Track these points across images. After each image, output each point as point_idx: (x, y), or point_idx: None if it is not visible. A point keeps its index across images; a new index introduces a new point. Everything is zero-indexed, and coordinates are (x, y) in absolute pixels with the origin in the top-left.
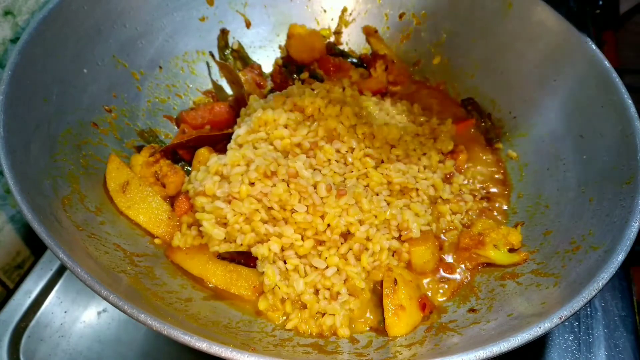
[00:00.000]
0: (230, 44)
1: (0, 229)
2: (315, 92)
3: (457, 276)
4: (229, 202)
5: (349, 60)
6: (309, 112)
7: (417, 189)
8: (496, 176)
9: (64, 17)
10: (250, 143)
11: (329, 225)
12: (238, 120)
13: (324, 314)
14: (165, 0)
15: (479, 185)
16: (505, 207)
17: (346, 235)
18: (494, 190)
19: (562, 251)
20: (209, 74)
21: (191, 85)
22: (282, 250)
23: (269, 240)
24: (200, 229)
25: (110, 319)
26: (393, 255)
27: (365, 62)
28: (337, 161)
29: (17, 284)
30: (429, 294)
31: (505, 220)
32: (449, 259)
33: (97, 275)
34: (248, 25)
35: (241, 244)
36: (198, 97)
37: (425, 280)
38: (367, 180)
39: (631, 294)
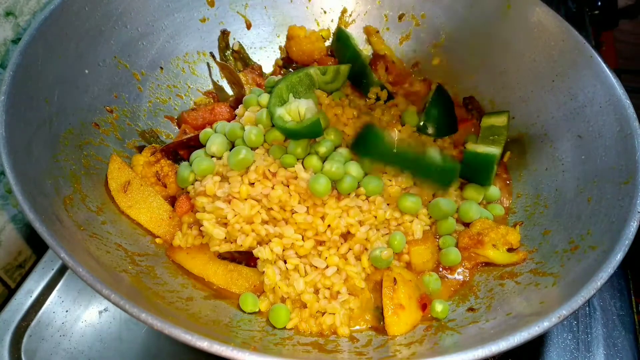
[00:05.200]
0: (230, 45)
1: (1, 229)
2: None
3: (456, 276)
4: (229, 202)
5: None
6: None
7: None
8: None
9: (65, 17)
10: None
11: (329, 225)
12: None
13: (324, 313)
14: (166, 1)
15: None
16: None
17: (346, 235)
18: None
19: (561, 251)
20: (210, 74)
21: (192, 86)
22: (283, 250)
23: (270, 241)
24: (201, 228)
25: (111, 318)
26: None
27: None
28: None
29: (19, 284)
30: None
31: (504, 220)
32: None
33: (98, 274)
34: (248, 26)
35: (241, 245)
36: (199, 97)
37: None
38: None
39: (630, 294)
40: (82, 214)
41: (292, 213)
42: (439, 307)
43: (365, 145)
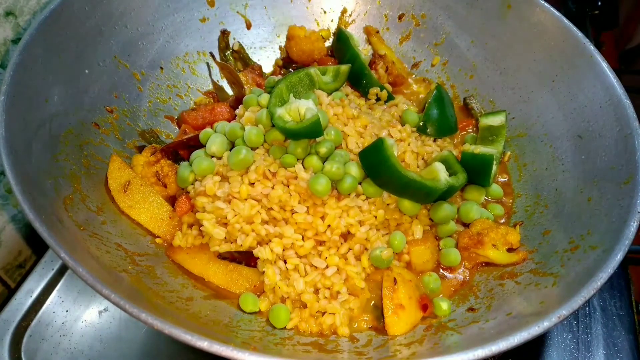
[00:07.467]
0: (230, 45)
1: (2, 229)
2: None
3: (456, 276)
4: (229, 202)
5: None
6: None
7: None
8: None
9: (65, 17)
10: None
11: (329, 225)
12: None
13: (324, 313)
14: (166, 1)
15: None
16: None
17: (346, 235)
18: None
19: (561, 251)
20: (210, 74)
21: (192, 86)
22: (283, 250)
23: (270, 241)
24: (201, 228)
25: (111, 318)
26: None
27: None
28: None
29: (19, 284)
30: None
31: (504, 220)
32: None
33: (98, 274)
34: (248, 26)
35: (241, 245)
36: (199, 97)
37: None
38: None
39: (630, 293)
40: (82, 214)
41: (292, 213)
42: (443, 305)
43: (371, 161)
